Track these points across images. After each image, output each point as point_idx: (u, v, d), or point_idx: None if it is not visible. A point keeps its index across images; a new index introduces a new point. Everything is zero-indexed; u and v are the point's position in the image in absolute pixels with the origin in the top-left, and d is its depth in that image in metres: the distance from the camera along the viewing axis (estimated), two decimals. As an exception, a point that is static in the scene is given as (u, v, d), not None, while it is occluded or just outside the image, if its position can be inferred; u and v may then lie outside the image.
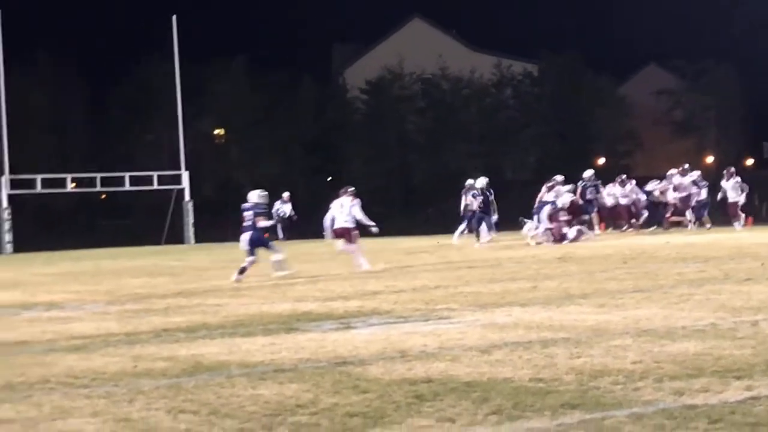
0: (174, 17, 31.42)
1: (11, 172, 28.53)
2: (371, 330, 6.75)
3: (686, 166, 21.93)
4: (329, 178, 39.46)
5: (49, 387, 4.72)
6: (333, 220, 13.51)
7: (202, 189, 36.65)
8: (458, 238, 18.99)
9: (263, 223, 12.79)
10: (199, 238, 29.68)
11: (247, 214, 12.72)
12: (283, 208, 24.10)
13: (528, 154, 42.71)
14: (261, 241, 12.64)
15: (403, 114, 42.00)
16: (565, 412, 3.51)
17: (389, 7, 54.15)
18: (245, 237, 12.62)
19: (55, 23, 50.55)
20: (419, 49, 41.15)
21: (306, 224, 24.17)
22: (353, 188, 13.94)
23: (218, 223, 30.80)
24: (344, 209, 13.38)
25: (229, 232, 22.55)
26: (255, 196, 13.01)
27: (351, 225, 13.39)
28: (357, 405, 3.83)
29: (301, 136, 39.89)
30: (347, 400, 3.96)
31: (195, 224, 30.58)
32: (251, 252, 12.47)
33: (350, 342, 6.07)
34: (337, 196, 13.99)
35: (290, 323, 7.39)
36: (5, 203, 28.09)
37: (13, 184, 28.70)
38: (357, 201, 13.67)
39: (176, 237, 30.11)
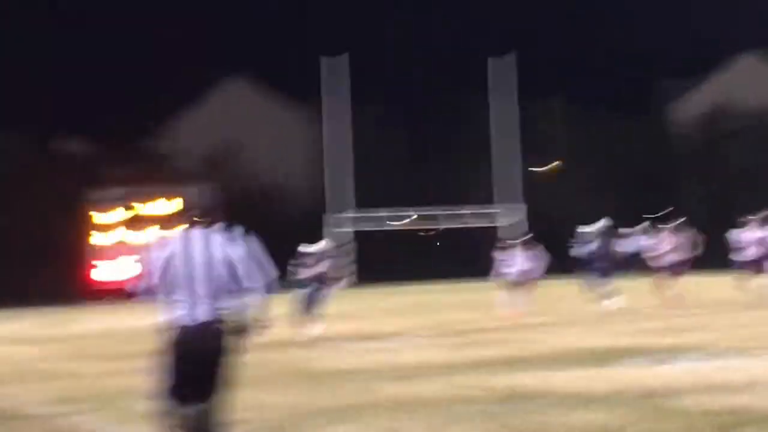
0: (514, 54, 33.26)
1: (356, 206, 32.31)
2: (683, 365, 6.71)
3: None
4: (661, 214, 37.91)
5: (376, 411, 5.28)
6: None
7: (535, 223, 37.50)
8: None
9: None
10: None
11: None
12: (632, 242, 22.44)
13: None
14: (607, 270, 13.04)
15: (734, 149, 39.13)
16: None
17: (714, 42, 50.58)
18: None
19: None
20: (749, 83, 38.30)
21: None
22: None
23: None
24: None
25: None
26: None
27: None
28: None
29: (630, 172, 39.14)
30: (652, 428, 4.02)
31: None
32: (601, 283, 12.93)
33: (661, 376, 6.07)
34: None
35: (604, 357, 7.41)
36: (351, 237, 31.64)
37: (358, 219, 32.43)
38: None
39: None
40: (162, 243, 3.69)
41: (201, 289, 3.42)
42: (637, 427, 4.09)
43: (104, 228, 30.30)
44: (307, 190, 36.32)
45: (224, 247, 3.51)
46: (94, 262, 29.60)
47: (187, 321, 3.39)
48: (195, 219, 3.59)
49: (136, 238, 29.00)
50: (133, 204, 30.38)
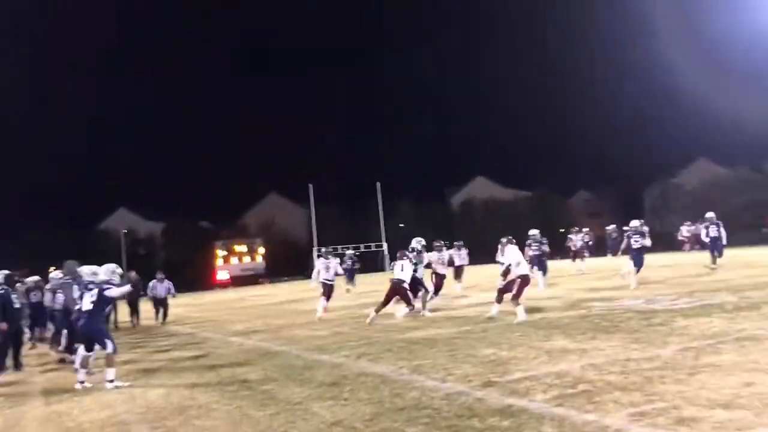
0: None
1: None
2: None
3: None
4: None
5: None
6: None
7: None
8: None
9: None
10: None
11: None
12: None
13: None
14: None
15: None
16: None
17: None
18: None
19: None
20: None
21: None
22: None
23: None
24: None
25: None
26: None
27: None
28: None
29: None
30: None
31: None
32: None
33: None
34: None
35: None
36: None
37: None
38: None
39: None
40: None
41: None
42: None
43: (220, 256, 76.12)
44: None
45: None
46: (217, 271, 75.42)
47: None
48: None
49: (231, 261, 75.04)
50: (230, 246, 76.43)
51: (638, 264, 17.77)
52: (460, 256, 24.35)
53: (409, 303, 14.91)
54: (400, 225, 73.73)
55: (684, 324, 10.29)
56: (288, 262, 73.89)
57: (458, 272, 23.69)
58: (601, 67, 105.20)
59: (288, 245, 79.14)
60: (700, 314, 11.19)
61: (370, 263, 67.75)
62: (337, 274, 17.99)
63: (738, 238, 37.06)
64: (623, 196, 78.23)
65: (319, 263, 18.22)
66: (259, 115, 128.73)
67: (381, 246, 70.61)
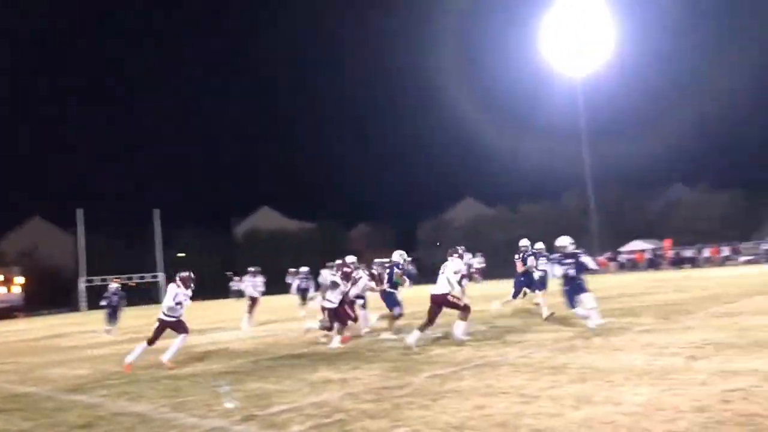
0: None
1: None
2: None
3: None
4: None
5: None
6: None
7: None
8: None
9: None
10: None
11: None
12: None
13: None
14: None
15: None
16: None
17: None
18: None
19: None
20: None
21: None
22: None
23: None
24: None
25: None
26: None
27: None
28: None
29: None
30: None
31: None
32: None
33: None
34: None
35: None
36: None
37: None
38: None
39: None
40: None
41: None
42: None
43: None
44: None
45: None
46: None
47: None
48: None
49: None
50: None
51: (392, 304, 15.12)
52: (255, 284, 22.38)
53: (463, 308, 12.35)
54: (179, 255, 71.08)
55: (438, 352, 11.23)
56: (52, 293, 67.47)
57: (253, 303, 22.16)
58: (379, 108, 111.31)
59: (52, 275, 72.24)
60: (453, 343, 12.27)
61: (144, 294, 64.33)
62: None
63: (499, 272, 41.17)
64: (399, 230, 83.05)
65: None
66: (21, 133, 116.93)
67: (156, 276, 67.31)
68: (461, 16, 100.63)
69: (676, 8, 75.78)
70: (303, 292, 23.24)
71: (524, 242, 17.88)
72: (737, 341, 9.79)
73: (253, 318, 21.85)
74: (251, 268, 22.68)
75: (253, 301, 22.00)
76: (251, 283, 22.29)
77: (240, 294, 44.44)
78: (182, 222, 74.93)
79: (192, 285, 12.79)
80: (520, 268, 17.36)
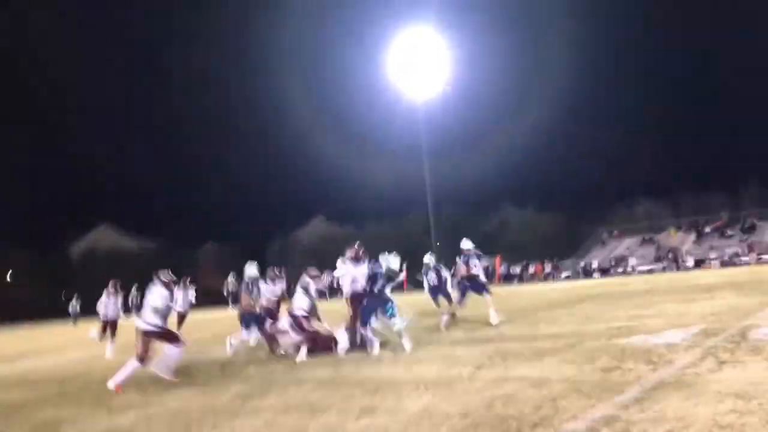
0: None
1: None
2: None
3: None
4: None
5: None
6: None
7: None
8: None
9: None
10: None
11: None
12: None
13: None
14: None
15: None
16: None
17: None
18: None
19: None
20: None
21: None
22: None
23: None
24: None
25: None
26: None
27: None
28: None
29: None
30: None
31: None
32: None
33: None
34: None
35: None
36: None
37: None
38: None
39: None
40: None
41: None
42: None
43: None
44: None
45: None
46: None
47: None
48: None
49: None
50: None
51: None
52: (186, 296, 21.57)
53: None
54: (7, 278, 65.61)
55: (253, 371, 11.39)
56: None
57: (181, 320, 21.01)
58: (225, 127, 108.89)
59: None
60: (272, 362, 12.46)
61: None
62: None
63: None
64: (246, 249, 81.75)
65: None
66: None
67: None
68: (309, 40, 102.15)
69: (505, 35, 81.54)
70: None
71: (427, 258, 19.13)
72: (524, 351, 10.76)
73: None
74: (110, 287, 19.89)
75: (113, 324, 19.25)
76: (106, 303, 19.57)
77: (76, 317, 40.38)
78: (10, 244, 68.74)
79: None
80: (464, 271, 17.46)
